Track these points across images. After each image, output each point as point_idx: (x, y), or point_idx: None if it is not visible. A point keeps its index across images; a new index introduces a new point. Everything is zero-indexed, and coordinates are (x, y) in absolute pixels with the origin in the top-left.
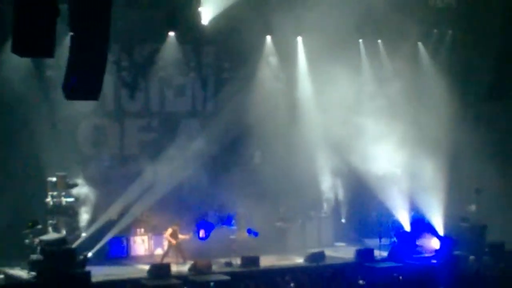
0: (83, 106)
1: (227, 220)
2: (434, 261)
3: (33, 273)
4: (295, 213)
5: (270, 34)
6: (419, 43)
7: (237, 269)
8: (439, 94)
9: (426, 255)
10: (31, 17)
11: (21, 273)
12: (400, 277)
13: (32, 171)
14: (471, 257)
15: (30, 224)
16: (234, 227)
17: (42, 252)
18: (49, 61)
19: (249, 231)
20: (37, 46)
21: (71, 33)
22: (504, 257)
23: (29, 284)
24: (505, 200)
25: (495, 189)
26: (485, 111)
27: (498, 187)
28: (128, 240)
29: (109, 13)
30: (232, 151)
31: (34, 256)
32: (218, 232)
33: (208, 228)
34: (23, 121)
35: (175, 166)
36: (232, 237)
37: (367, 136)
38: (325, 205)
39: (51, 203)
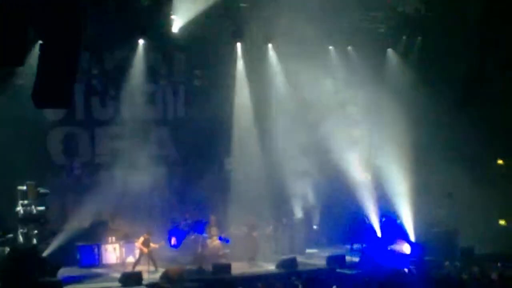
0: (53, 115)
1: (198, 228)
2: (405, 269)
3: (3, 282)
4: (266, 220)
5: (240, 41)
6: (389, 50)
7: (208, 277)
8: (409, 100)
9: (398, 260)
10: None
11: None
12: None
13: (2, 180)
14: (446, 263)
15: (0, 233)
16: (205, 235)
17: (13, 260)
18: (18, 69)
19: (220, 238)
20: (6, 55)
21: (41, 41)
22: (475, 262)
23: None
24: (475, 205)
25: (465, 194)
26: (454, 117)
27: (468, 192)
28: (99, 248)
29: (80, 21)
30: (203, 158)
31: (4, 265)
32: (190, 240)
33: (180, 236)
34: None
35: (146, 174)
36: (203, 244)
37: (338, 142)
38: (296, 212)
39: (21, 212)
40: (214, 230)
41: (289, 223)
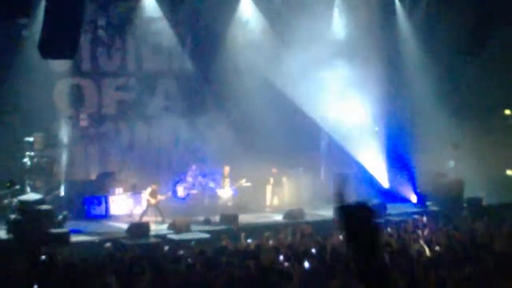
0: (59, 66)
1: (206, 178)
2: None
3: (11, 234)
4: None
5: None
6: (396, 1)
7: (215, 227)
8: (416, 50)
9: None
10: None
11: (0, 233)
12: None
13: (9, 130)
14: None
15: (7, 184)
16: (213, 186)
17: (21, 212)
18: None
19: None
20: (13, 6)
21: None
22: (481, 212)
23: (8, 244)
24: (482, 155)
25: (472, 144)
26: (459, 66)
27: (476, 143)
28: (106, 200)
29: None
30: (211, 109)
31: (12, 216)
32: (197, 191)
33: (187, 187)
34: None
35: (153, 125)
36: (210, 195)
37: (343, 91)
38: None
39: (28, 163)
40: (226, 182)
41: (296, 174)
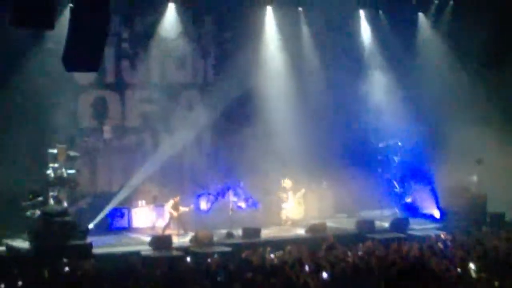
0: (83, 78)
1: (228, 192)
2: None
3: (35, 244)
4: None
5: (270, 5)
6: (420, 14)
7: (238, 240)
8: (439, 64)
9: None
10: None
11: (23, 244)
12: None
13: (33, 143)
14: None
15: (31, 196)
16: (235, 199)
17: (44, 223)
18: (49, 32)
19: (249, 202)
20: (37, 18)
21: (71, 5)
22: (504, 228)
23: (31, 256)
24: (506, 170)
25: (497, 159)
26: (485, 79)
27: (499, 156)
28: (129, 212)
29: None
30: (233, 122)
31: (35, 228)
32: (220, 204)
33: (210, 200)
34: (23, 94)
35: (176, 137)
36: (233, 208)
37: (366, 105)
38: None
39: (52, 175)
40: (244, 194)
41: (319, 187)
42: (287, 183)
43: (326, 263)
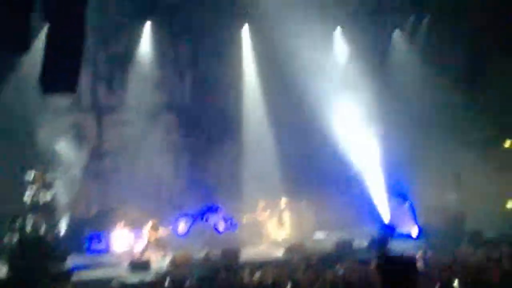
0: (60, 102)
1: (206, 214)
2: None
3: (12, 270)
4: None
5: (246, 24)
6: (396, 30)
7: (216, 263)
8: (415, 80)
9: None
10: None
11: (0, 270)
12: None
13: (10, 168)
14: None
15: (8, 222)
16: (214, 221)
17: (21, 249)
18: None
19: (227, 222)
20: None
21: (46, 26)
22: (482, 245)
23: (9, 282)
24: (485, 188)
25: (475, 177)
26: (462, 95)
27: (477, 174)
28: (107, 235)
29: (85, 4)
30: (211, 144)
31: (13, 254)
32: (198, 226)
33: (188, 223)
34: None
35: (154, 160)
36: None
37: (343, 123)
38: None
39: (29, 200)
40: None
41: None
42: (263, 203)
43: (305, 283)
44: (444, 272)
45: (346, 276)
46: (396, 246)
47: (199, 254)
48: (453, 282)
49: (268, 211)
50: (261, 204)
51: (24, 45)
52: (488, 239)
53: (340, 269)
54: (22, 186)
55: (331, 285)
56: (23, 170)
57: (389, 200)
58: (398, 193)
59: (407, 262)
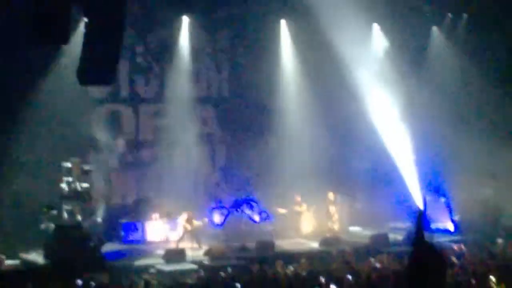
0: (97, 92)
1: (242, 206)
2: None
3: (49, 258)
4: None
5: (284, 18)
6: (434, 27)
7: (252, 254)
8: (454, 79)
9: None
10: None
11: (37, 258)
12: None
13: (48, 156)
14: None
15: (45, 209)
16: (249, 213)
17: (58, 237)
18: (64, 48)
19: (263, 214)
20: (51, 33)
21: (86, 19)
22: None
23: (45, 269)
24: None
25: (510, 173)
26: (500, 94)
27: None
28: (143, 225)
29: None
30: (247, 136)
31: (49, 242)
32: (233, 218)
33: (224, 214)
34: (36, 107)
35: (190, 151)
36: (246, 222)
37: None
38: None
39: (66, 188)
40: (257, 207)
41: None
42: (299, 197)
43: (341, 276)
44: (480, 267)
45: (381, 269)
46: (432, 241)
47: (234, 245)
48: (489, 277)
49: (304, 205)
50: (297, 197)
51: (64, 38)
52: None
53: (375, 262)
54: (60, 175)
55: (367, 278)
56: (62, 159)
57: (426, 195)
58: (434, 188)
59: (441, 253)
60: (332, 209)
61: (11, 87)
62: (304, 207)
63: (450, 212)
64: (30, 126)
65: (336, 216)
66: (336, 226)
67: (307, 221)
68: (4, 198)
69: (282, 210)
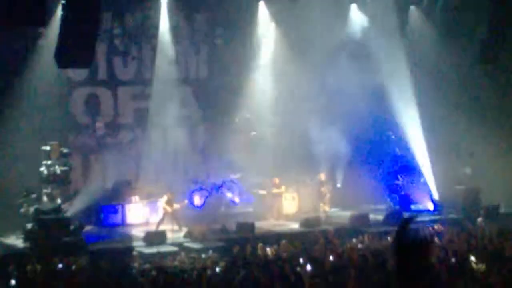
0: (76, 75)
1: (222, 186)
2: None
3: (29, 242)
4: (291, 179)
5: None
6: (412, 7)
7: (232, 235)
8: (430, 58)
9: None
10: None
11: (17, 242)
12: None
13: (26, 140)
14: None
15: (24, 193)
16: (230, 195)
17: (37, 221)
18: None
19: (243, 196)
20: (28, 15)
21: (63, 1)
22: (499, 219)
23: (25, 253)
24: (500, 162)
25: (490, 151)
26: (478, 73)
27: (492, 149)
28: (123, 208)
29: None
30: (226, 118)
31: (29, 225)
32: (213, 199)
33: (203, 196)
34: (14, 91)
35: (169, 133)
36: (226, 204)
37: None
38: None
39: (45, 172)
40: (237, 189)
41: (313, 182)
42: (275, 180)
43: (322, 257)
44: (460, 247)
45: (363, 249)
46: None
47: (215, 227)
48: (469, 256)
49: (283, 187)
50: (275, 180)
51: (40, 20)
52: (504, 213)
53: (357, 243)
54: (38, 158)
55: (348, 258)
56: (41, 143)
57: (404, 176)
58: (414, 168)
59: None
60: (324, 189)
61: None
62: (283, 188)
63: (429, 191)
64: (10, 109)
65: (328, 196)
66: (327, 207)
67: (287, 203)
68: None
69: (261, 191)
